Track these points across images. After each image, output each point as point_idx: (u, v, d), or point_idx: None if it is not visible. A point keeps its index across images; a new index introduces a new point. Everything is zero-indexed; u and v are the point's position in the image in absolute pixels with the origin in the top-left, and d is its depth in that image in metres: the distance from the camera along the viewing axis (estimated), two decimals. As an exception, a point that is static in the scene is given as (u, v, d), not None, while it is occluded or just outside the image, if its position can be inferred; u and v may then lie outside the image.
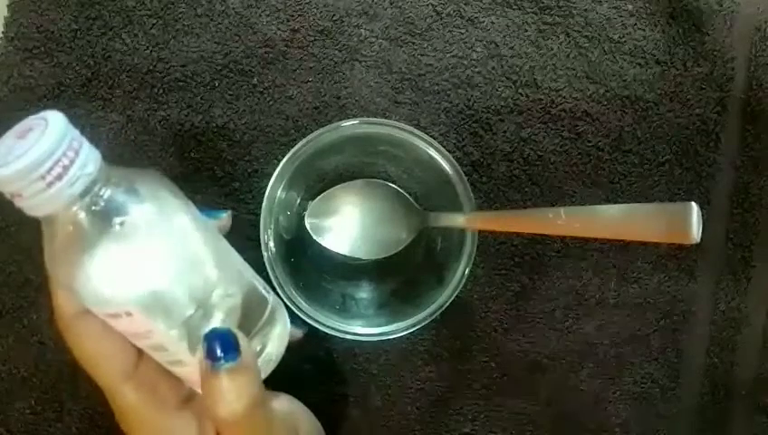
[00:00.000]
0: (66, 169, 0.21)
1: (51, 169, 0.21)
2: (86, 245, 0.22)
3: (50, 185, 0.21)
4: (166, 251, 0.24)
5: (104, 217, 0.22)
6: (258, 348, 0.28)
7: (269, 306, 0.28)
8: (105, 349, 0.26)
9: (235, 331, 0.25)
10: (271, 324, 0.28)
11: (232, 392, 0.24)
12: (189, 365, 0.25)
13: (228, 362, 0.24)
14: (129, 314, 0.23)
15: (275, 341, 0.29)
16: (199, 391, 0.26)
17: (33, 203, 0.21)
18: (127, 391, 0.26)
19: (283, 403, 0.31)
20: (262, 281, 0.29)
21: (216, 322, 0.25)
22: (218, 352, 0.24)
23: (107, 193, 0.22)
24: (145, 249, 0.23)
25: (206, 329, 0.25)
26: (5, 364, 0.37)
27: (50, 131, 0.21)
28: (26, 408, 0.37)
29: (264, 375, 0.28)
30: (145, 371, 0.27)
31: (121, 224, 0.23)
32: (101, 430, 0.37)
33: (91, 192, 0.22)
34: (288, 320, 0.30)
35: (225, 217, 0.30)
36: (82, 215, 0.22)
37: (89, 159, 0.22)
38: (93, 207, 0.22)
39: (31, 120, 0.22)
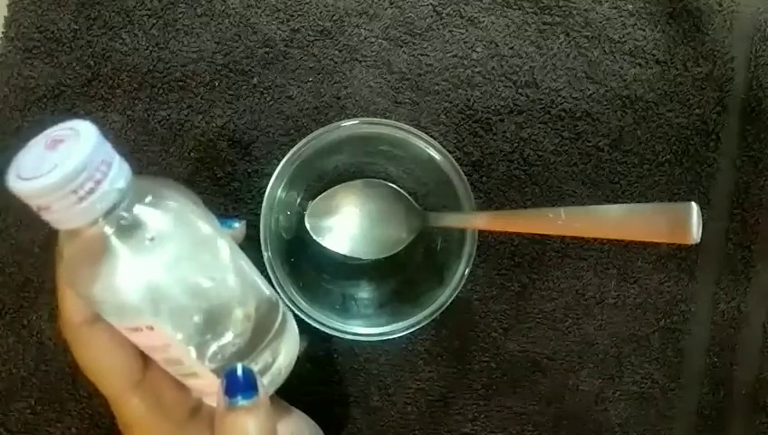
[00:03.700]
0: (99, 183, 0.20)
1: (83, 183, 0.20)
2: (110, 257, 0.22)
3: (81, 200, 0.20)
4: (191, 265, 0.24)
5: (130, 230, 0.22)
6: (270, 360, 0.27)
7: (280, 315, 0.28)
8: (112, 358, 0.26)
9: (254, 370, 0.25)
10: (281, 335, 0.28)
11: (247, 429, 0.25)
12: (204, 378, 0.25)
13: (245, 399, 0.25)
14: (150, 328, 0.23)
15: (285, 351, 0.28)
16: (211, 403, 0.26)
17: (62, 217, 0.20)
18: (133, 402, 0.26)
19: (290, 425, 0.31)
20: (272, 289, 0.29)
21: (232, 335, 0.25)
22: (236, 389, 0.25)
23: (134, 207, 0.22)
24: (171, 263, 0.23)
25: (225, 344, 0.25)
26: (5, 364, 0.37)
27: (83, 144, 0.20)
28: (26, 408, 0.37)
29: (275, 387, 0.28)
30: (151, 381, 0.27)
31: (147, 237, 0.22)
32: (101, 430, 0.37)
33: (120, 206, 0.22)
34: (297, 330, 0.30)
35: (239, 227, 0.30)
36: (109, 227, 0.22)
37: (120, 173, 0.21)
38: (120, 221, 0.22)
39: (61, 130, 0.21)
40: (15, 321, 0.37)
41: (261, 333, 0.27)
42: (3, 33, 0.37)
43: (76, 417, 0.37)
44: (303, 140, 0.33)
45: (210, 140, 0.38)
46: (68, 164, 0.20)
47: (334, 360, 0.38)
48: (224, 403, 0.25)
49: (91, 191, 0.20)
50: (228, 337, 0.25)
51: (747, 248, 0.40)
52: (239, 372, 0.25)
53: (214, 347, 0.25)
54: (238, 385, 0.25)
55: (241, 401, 0.25)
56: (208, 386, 0.26)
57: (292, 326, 0.30)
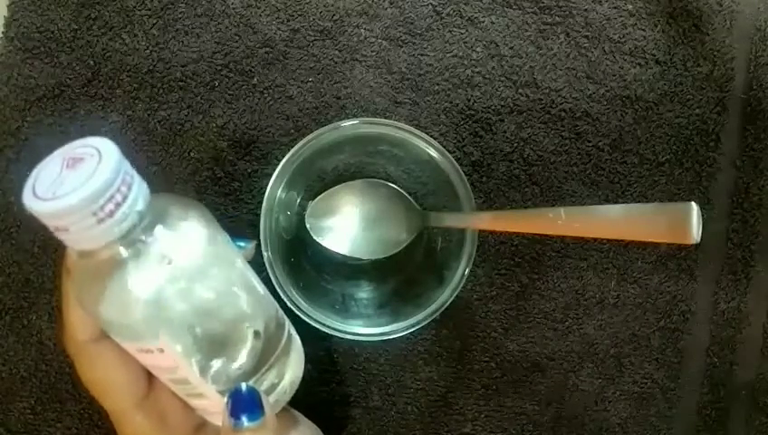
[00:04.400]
0: (119, 205, 0.20)
1: (104, 205, 0.19)
2: (124, 279, 0.21)
3: (101, 221, 0.20)
4: (205, 288, 0.23)
5: (145, 253, 0.21)
6: (276, 380, 0.27)
7: (286, 332, 0.28)
8: (117, 376, 0.26)
9: (259, 390, 0.25)
10: (287, 354, 0.28)
11: None
12: (210, 398, 0.25)
13: (251, 421, 0.24)
14: (160, 351, 0.23)
15: (291, 371, 0.28)
16: (216, 422, 0.26)
17: (79, 238, 0.20)
18: (137, 420, 0.26)
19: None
20: (278, 306, 0.29)
21: (241, 356, 0.25)
22: (241, 410, 0.25)
23: (151, 228, 0.22)
24: (185, 287, 0.23)
25: (233, 364, 0.25)
26: (5, 364, 0.37)
27: (105, 165, 0.20)
28: (26, 408, 0.37)
29: (280, 407, 0.28)
30: (156, 399, 0.27)
31: (162, 260, 0.22)
32: (101, 430, 0.37)
33: (138, 228, 0.21)
34: (302, 348, 0.30)
35: (250, 248, 0.29)
36: (124, 249, 0.21)
37: (139, 194, 0.21)
38: (137, 244, 0.21)
39: (80, 148, 0.20)
40: (15, 321, 0.37)
41: (268, 352, 0.26)
42: (3, 33, 0.37)
43: (76, 417, 0.37)
44: (303, 140, 0.33)
45: (210, 140, 0.38)
46: (89, 186, 0.19)
47: (334, 360, 0.38)
48: (228, 424, 0.25)
49: (111, 214, 0.20)
50: (238, 358, 0.25)
51: (747, 248, 0.40)
52: (244, 391, 0.25)
53: (222, 368, 0.25)
54: (243, 405, 0.25)
55: (246, 423, 0.24)
56: (214, 406, 0.25)
57: (298, 345, 0.29)
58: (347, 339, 0.33)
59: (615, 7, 0.39)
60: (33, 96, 0.37)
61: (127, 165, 0.21)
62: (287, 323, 0.29)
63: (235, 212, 0.38)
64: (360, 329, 0.33)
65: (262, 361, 0.26)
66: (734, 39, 0.40)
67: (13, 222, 0.37)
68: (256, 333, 0.25)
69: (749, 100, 0.40)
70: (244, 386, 0.25)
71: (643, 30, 0.39)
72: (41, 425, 0.37)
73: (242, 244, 0.29)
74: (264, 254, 0.32)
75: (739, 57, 0.40)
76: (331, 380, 0.38)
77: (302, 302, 0.33)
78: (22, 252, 0.37)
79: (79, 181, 0.19)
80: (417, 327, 0.33)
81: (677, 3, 0.40)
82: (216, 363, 0.24)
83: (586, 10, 0.39)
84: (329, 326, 0.33)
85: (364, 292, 0.37)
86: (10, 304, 0.37)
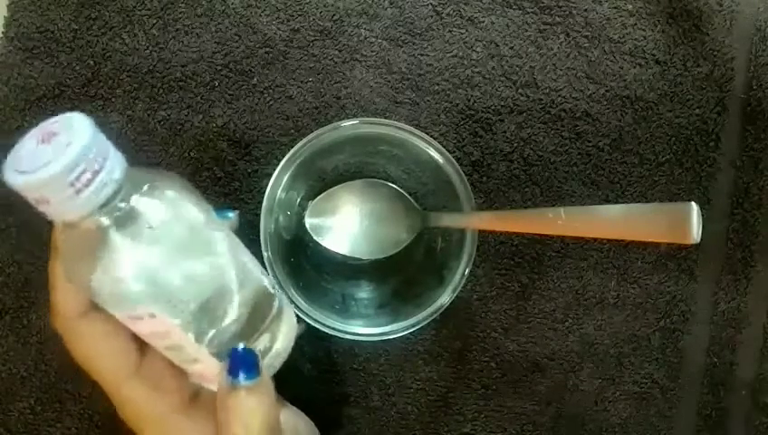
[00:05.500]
0: (95, 174, 0.20)
1: (80, 175, 0.20)
2: (109, 248, 0.22)
3: (79, 192, 0.20)
4: (188, 252, 0.24)
5: (127, 220, 0.22)
6: (268, 344, 0.28)
7: (276, 302, 0.28)
8: (108, 348, 0.26)
9: (256, 352, 0.26)
10: (278, 320, 0.28)
11: (249, 410, 0.25)
12: (205, 362, 0.26)
13: (249, 380, 0.25)
14: (152, 316, 0.23)
15: (283, 336, 0.29)
16: (212, 387, 0.27)
17: (60, 209, 0.21)
18: (130, 390, 0.26)
19: (287, 417, 0.31)
20: (269, 276, 0.29)
21: (229, 320, 0.25)
22: (238, 368, 0.25)
23: (131, 196, 0.22)
24: (169, 251, 0.23)
25: (224, 328, 0.25)
26: (5, 364, 0.37)
27: (78, 137, 0.20)
28: (26, 408, 0.37)
29: (273, 371, 0.28)
30: (149, 368, 0.27)
31: (145, 226, 0.22)
32: (101, 430, 0.37)
33: (117, 196, 0.22)
34: (294, 316, 0.30)
35: (233, 218, 0.30)
36: (106, 219, 0.22)
37: (115, 163, 0.21)
38: (117, 212, 0.22)
39: (54, 124, 0.21)
40: (15, 321, 0.37)
41: (258, 317, 0.27)
42: (3, 33, 0.37)
43: (76, 417, 0.37)
44: (303, 140, 0.33)
45: (210, 140, 0.38)
46: (65, 156, 0.20)
47: (334, 360, 0.38)
48: (226, 383, 0.25)
49: (89, 183, 0.20)
50: (226, 322, 0.25)
51: (747, 248, 0.40)
52: (241, 351, 0.25)
53: (212, 332, 0.25)
54: (240, 364, 0.25)
55: (243, 381, 0.25)
56: (209, 371, 0.26)
57: (289, 310, 0.30)
58: (347, 339, 0.33)
59: (615, 7, 0.39)
60: (33, 96, 0.37)
61: (101, 136, 0.21)
62: (278, 290, 0.29)
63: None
64: (359, 329, 0.33)
65: (252, 325, 0.26)
66: (734, 39, 0.40)
67: (13, 222, 0.37)
68: (243, 299, 0.26)
69: (749, 100, 0.40)
70: (241, 346, 0.26)
71: (643, 30, 0.40)
72: (41, 425, 0.37)
73: (229, 214, 0.30)
74: (264, 254, 0.32)
75: (739, 57, 0.40)
76: (331, 380, 0.38)
77: (302, 302, 0.33)
78: (22, 252, 0.37)
79: (54, 154, 0.20)
80: (417, 327, 0.33)
81: (677, 3, 0.40)
82: (206, 328, 0.25)
83: (586, 10, 0.39)
84: (329, 326, 0.33)
85: (364, 292, 0.37)
86: (10, 304, 0.37)
